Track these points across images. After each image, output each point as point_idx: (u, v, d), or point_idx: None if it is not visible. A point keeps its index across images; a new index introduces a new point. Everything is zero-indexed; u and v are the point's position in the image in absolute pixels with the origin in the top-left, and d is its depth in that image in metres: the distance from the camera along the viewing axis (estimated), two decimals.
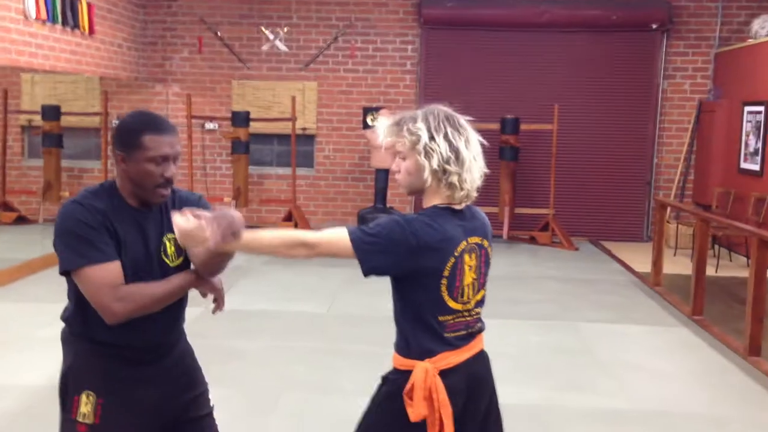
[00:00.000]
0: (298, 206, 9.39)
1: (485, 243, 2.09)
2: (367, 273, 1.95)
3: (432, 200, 2.03)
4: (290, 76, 9.69)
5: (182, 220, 1.89)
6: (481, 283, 2.08)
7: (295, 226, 9.17)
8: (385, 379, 2.09)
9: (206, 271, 2.08)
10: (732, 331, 5.43)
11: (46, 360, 4.26)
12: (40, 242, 7.33)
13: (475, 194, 2.03)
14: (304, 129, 9.71)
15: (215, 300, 2.20)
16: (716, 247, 8.26)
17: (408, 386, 1.97)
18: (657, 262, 6.90)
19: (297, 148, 9.43)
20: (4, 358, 4.58)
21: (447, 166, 1.96)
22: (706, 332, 5.49)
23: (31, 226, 8.86)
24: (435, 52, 9.51)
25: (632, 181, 9.58)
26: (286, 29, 9.57)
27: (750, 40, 8.53)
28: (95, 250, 1.93)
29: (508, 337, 5.18)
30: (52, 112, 8.88)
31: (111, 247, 1.96)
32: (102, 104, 9.12)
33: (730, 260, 8.27)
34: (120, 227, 2.00)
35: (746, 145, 8.36)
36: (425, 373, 1.95)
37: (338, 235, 1.93)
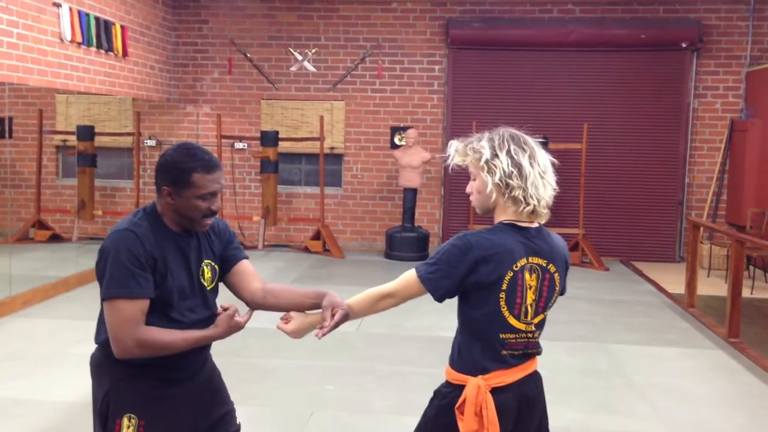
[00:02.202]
0: (326, 225, 9.42)
1: (551, 268, 2.06)
2: (439, 300, 2.03)
3: (499, 217, 2.05)
4: (318, 96, 9.78)
5: (288, 326, 2.21)
6: (541, 306, 2.08)
7: (324, 245, 9.21)
8: (437, 393, 2.11)
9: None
10: None
11: (80, 377, 4.29)
12: (74, 260, 7.44)
13: (545, 211, 2.02)
14: (332, 148, 9.77)
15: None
16: (751, 268, 8.10)
17: (459, 401, 2.00)
18: (691, 283, 6.78)
19: (325, 167, 9.49)
20: (39, 374, 4.64)
21: (509, 181, 1.97)
22: (743, 355, 5.37)
23: (65, 244, 9.00)
24: (462, 72, 9.52)
25: (663, 200, 9.46)
26: (314, 50, 9.68)
27: None
28: (136, 284, 1.99)
29: (539, 357, 5.10)
30: (86, 133, 9.05)
31: (150, 284, 2.02)
32: (134, 125, 9.29)
33: (766, 281, 8.10)
34: (166, 255, 2.07)
35: None
36: (477, 389, 1.98)
37: (408, 277, 2.07)
